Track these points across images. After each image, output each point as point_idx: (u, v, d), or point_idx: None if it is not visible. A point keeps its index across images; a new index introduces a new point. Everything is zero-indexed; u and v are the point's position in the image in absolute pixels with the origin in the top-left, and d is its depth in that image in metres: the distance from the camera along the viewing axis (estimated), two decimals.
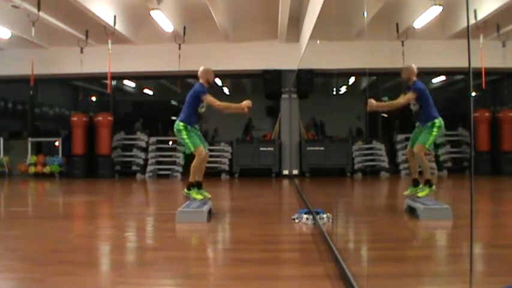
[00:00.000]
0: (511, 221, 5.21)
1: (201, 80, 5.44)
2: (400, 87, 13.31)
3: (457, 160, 10.90)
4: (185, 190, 5.37)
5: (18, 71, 10.21)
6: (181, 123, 5.28)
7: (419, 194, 5.23)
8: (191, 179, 5.33)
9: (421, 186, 5.29)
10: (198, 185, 5.40)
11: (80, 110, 13.48)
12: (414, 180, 5.39)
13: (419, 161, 5.27)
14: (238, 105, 5.33)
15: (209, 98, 5.27)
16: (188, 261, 3.46)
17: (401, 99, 5.30)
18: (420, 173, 5.40)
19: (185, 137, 5.25)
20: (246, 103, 5.30)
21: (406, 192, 5.47)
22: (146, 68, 11.04)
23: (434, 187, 5.29)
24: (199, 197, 5.31)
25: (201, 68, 5.47)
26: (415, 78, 5.30)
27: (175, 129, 5.35)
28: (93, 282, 2.90)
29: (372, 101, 5.15)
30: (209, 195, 5.44)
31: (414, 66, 5.39)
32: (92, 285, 2.85)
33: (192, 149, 5.26)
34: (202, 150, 5.29)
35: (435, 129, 5.15)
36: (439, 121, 5.16)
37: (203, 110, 5.41)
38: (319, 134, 12.38)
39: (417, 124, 5.42)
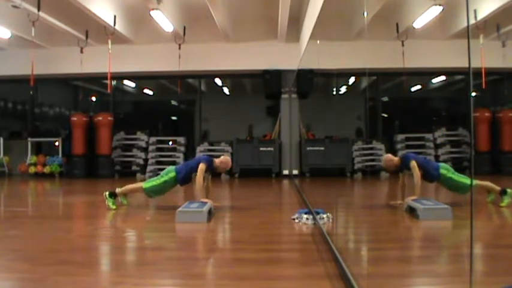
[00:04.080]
0: (511, 221, 5.21)
1: (216, 160, 5.73)
2: (400, 87, 13.33)
3: (457, 160, 10.90)
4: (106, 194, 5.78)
5: (18, 71, 10.21)
6: (173, 174, 5.61)
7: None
8: (120, 192, 5.86)
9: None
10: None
11: (80, 110, 13.47)
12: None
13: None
14: (199, 194, 5.54)
15: (202, 168, 5.53)
16: (188, 261, 3.46)
17: (416, 176, 5.40)
18: None
19: (159, 181, 5.68)
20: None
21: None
22: (146, 68, 11.05)
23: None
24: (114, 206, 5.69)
25: (225, 158, 5.83)
26: (396, 159, 5.68)
27: (165, 171, 5.73)
28: (93, 282, 2.90)
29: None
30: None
31: (385, 156, 5.86)
32: (92, 285, 2.84)
33: (146, 186, 5.73)
34: (143, 191, 5.78)
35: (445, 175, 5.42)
36: (443, 173, 5.41)
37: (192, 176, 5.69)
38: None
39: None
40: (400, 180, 5.69)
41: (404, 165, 5.57)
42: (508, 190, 5.44)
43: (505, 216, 5.32)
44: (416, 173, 5.39)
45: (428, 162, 5.66)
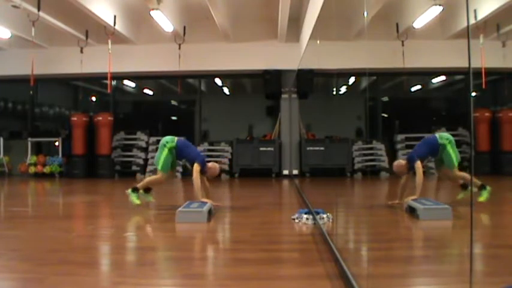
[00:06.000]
0: (511, 221, 5.20)
1: (208, 164, 5.73)
2: (400, 87, 13.30)
3: None
4: (129, 190, 5.82)
5: (18, 71, 10.21)
6: (174, 144, 5.69)
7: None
8: (141, 185, 5.85)
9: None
10: (145, 190, 5.94)
11: (80, 110, 13.48)
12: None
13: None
14: (198, 194, 5.50)
15: (196, 168, 5.55)
16: (188, 261, 3.46)
17: (418, 176, 5.44)
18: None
19: (164, 154, 5.68)
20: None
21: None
22: (146, 68, 11.04)
23: None
24: (138, 201, 5.77)
25: (213, 165, 5.80)
26: (405, 162, 5.64)
27: (164, 141, 5.74)
28: (93, 282, 2.90)
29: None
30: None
31: (396, 163, 5.87)
32: (92, 285, 2.85)
33: (160, 167, 5.70)
34: (163, 175, 5.77)
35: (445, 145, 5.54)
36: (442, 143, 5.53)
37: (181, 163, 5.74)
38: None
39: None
40: (402, 180, 5.68)
41: (411, 166, 5.58)
42: (488, 187, 5.52)
43: (504, 216, 5.32)
44: (419, 173, 5.39)
45: (425, 142, 5.70)
